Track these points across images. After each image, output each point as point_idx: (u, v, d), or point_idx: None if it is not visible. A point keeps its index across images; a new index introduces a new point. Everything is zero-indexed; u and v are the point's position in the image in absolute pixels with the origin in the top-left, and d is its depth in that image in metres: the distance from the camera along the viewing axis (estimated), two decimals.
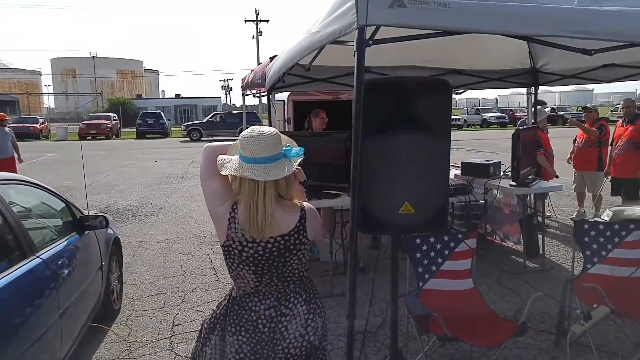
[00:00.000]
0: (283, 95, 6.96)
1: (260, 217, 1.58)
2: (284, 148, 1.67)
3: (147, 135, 29.78)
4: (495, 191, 5.03)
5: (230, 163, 1.65)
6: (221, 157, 1.69)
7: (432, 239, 3.14)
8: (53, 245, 2.93)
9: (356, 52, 1.90)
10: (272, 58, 4.76)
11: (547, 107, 7.94)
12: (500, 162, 5.28)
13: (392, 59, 4.34)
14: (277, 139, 1.65)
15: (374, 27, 1.97)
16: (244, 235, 1.61)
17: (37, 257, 2.66)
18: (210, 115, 30.22)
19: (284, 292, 1.72)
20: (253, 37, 42.31)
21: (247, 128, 1.73)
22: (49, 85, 70.00)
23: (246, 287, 1.70)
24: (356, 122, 1.99)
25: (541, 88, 5.86)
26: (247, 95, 7.90)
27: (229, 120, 26.91)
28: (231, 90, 63.99)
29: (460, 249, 3.17)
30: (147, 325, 3.83)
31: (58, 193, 3.47)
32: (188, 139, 26.33)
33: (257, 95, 7.74)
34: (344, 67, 4.80)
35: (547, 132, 6.42)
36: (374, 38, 1.98)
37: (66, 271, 2.89)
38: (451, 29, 1.99)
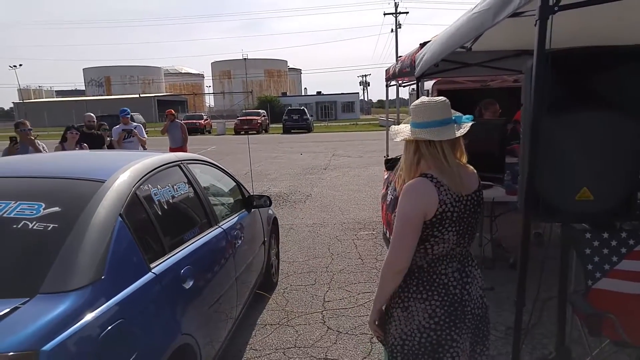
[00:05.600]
0: (427, 85, 6.83)
1: (456, 172, 1.66)
2: (453, 115, 1.73)
3: (292, 130, 31.69)
4: None
5: (402, 132, 1.75)
6: (393, 127, 1.79)
7: (605, 235, 2.79)
8: (229, 219, 3.30)
9: (538, 21, 1.76)
10: (422, 45, 4.65)
11: None
12: None
13: (561, 39, 3.89)
14: (445, 104, 1.72)
15: None
16: (451, 194, 1.65)
17: (219, 227, 3.04)
18: None
19: (465, 255, 1.79)
20: (392, 30, 42.08)
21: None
22: (210, 86, 79.40)
23: (442, 251, 1.72)
24: (535, 99, 1.86)
25: None
26: (391, 86, 7.86)
27: None
28: (368, 85, 65.03)
29: None
30: (301, 299, 4.13)
31: (230, 173, 3.89)
32: None
33: (402, 84, 7.68)
34: (498, 51, 4.49)
35: None
36: (560, 4, 1.80)
37: (239, 242, 3.26)
38: None
